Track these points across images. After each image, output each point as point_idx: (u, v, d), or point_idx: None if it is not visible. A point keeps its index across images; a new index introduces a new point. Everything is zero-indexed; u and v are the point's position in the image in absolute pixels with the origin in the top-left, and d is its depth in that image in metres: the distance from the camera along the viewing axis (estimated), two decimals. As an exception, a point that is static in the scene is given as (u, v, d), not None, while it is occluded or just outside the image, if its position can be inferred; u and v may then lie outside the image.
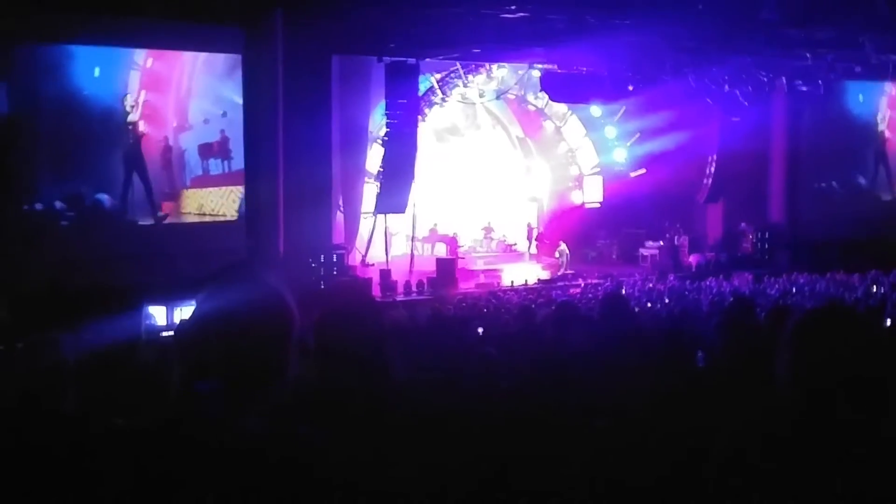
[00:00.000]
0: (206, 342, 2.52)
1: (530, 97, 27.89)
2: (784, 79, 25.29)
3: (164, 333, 10.69)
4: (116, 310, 11.02)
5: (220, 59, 19.95)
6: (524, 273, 25.28)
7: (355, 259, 23.42)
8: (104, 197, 18.35)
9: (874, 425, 2.65)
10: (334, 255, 20.92)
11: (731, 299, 8.04)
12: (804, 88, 25.37)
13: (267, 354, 2.55)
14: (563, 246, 26.49)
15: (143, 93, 18.95)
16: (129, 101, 18.82)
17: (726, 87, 24.91)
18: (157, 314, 11.56)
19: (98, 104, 18.37)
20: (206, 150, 19.82)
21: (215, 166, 20.00)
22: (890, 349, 2.79)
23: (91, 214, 18.22)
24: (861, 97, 29.05)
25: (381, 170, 22.88)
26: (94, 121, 18.30)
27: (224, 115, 19.88)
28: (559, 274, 25.36)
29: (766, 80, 25.08)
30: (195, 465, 2.37)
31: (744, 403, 3.02)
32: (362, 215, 23.84)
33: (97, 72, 18.35)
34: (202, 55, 19.73)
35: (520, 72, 25.61)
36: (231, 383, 2.49)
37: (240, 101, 19.89)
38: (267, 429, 2.45)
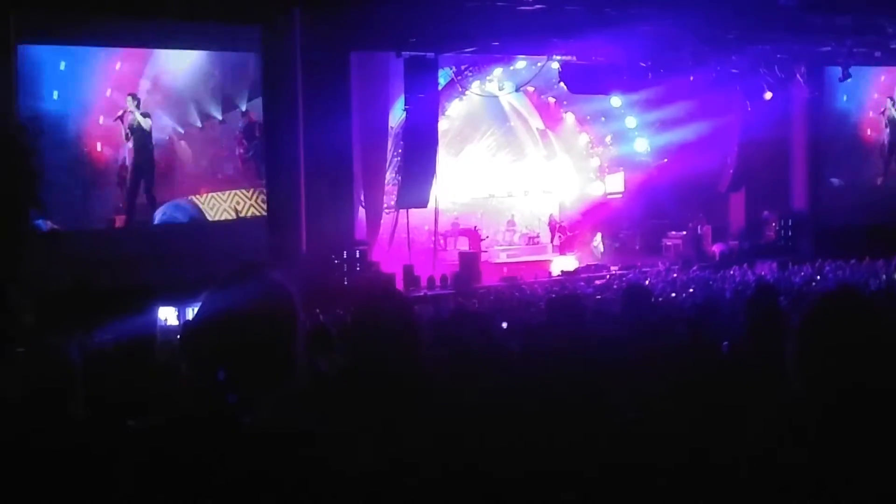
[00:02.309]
0: (211, 340, 2.54)
1: (550, 89, 27.88)
2: (804, 66, 25.23)
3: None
4: (135, 310, 11.07)
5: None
6: (552, 265, 25.40)
7: (378, 254, 23.44)
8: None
9: (888, 417, 2.61)
10: (357, 251, 20.96)
11: (754, 288, 8.02)
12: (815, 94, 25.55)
13: (273, 350, 2.56)
14: (598, 238, 26.61)
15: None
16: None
17: (747, 75, 24.85)
18: (169, 315, 11.58)
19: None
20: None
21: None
22: None
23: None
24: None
25: (402, 165, 22.92)
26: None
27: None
28: (585, 265, 25.41)
29: (786, 66, 25.02)
30: (208, 461, 2.40)
31: (762, 394, 3.00)
32: (384, 210, 23.87)
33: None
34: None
35: (539, 64, 25.56)
36: (239, 379, 2.51)
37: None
38: (278, 422, 2.47)
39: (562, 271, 24.75)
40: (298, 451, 2.44)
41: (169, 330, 11.14)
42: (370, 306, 3.31)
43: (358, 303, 3.44)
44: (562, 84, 25.50)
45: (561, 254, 26.86)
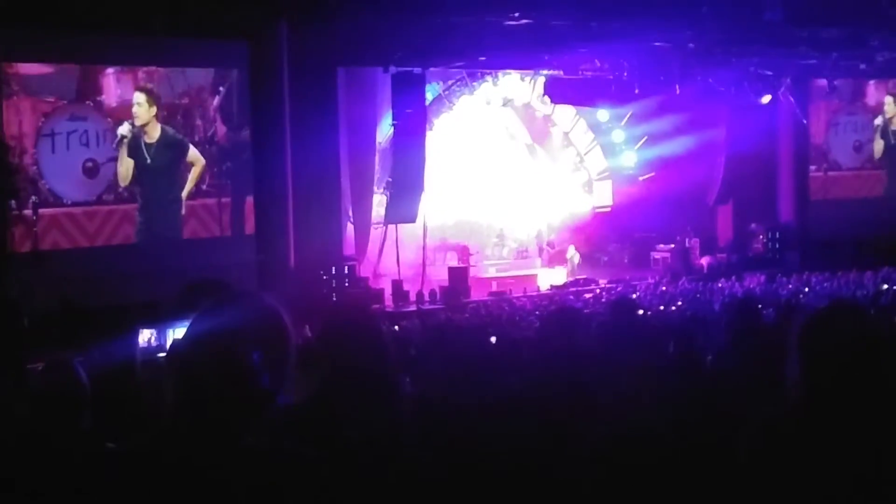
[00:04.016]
0: (199, 362, 2.51)
1: (537, 103, 27.92)
2: (790, 79, 25.37)
3: (160, 354, 10.64)
4: (117, 330, 10.99)
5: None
6: (538, 279, 25.38)
7: (367, 270, 23.41)
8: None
9: (882, 426, 2.64)
10: (346, 267, 20.94)
11: (733, 300, 8.04)
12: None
13: (262, 371, 2.50)
14: (572, 250, 26.62)
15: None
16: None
17: (733, 88, 24.95)
18: (151, 335, 11.48)
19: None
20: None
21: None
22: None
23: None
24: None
25: (390, 180, 22.92)
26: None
27: None
28: (571, 279, 25.41)
29: (771, 80, 25.16)
30: (189, 486, 2.37)
31: (750, 405, 3.01)
32: (373, 226, 23.84)
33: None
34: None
35: (526, 78, 25.62)
36: (226, 403, 2.47)
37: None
38: (264, 448, 2.45)
39: (551, 285, 24.76)
40: (275, 478, 2.41)
41: (150, 350, 11.05)
42: (335, 328, 3.25)
43: (322, 329, 3.40)
44: (546, 98, 25.58)
45: (549, 267, 26.86)
